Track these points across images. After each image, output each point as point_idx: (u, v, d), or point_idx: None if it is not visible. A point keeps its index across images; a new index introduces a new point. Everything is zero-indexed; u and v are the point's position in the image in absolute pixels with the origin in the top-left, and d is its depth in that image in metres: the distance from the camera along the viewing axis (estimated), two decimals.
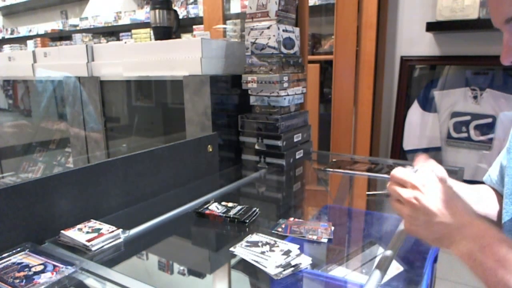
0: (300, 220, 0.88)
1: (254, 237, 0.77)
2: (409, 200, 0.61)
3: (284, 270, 0.64)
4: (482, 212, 0.84)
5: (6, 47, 4.84)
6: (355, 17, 1.88)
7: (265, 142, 1.33)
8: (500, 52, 0.65)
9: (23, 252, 0.72)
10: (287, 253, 0.70)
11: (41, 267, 0.66)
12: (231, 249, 0.73)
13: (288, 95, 1.33)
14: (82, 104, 1.65)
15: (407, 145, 1.93)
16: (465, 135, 1.77)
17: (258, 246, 0.73)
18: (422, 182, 0.61)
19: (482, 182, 0.92)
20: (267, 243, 0.74)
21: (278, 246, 0.73)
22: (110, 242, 0.78)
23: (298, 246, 0.71)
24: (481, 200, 0.86)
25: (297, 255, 0.69)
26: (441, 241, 0.59)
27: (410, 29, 1.89)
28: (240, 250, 0.72)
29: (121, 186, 0.96)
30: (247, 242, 0.75)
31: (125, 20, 3.95)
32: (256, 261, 0.68)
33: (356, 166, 1.30)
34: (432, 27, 1.75)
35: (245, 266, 0.68)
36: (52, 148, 2.01)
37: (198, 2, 3.29)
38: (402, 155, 1.94)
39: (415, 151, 1.92)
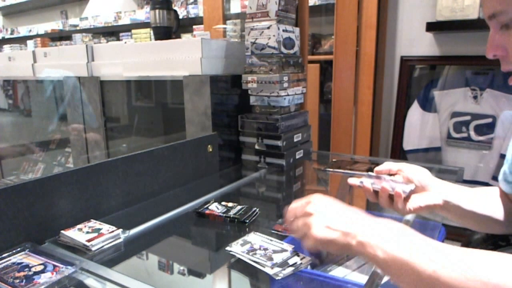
0: None
1: (251, 236, 0.77)
2: (305, 211, 0.63)
3: (283, 270, 0.64)
4: (487, 214, 0.80)
5: (6, 47, 4.84)
6: (355, 17, 1.88)
7: (265, 142, 1.33)
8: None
9: (23, 252, 0.72)
10: (282, 252, 0.70)
11: (41, 267, 0.66)
12: (227, 248, 0.73)
13: (288, 95, 1.33)
14: (82, 104, 1.65)
15: (407, 145, 1.93)
16: (465, 135, 1.77)
17: (254, 245, 0.73)
18: (311, 199, 0.64)
19: (484, 183, 0.91)
20: (262, 242, 0.74)
21: (273, 245, 0.73)
22: (110, 242, 0.78)
23: (293, 246, 0.71)
24: (484, 201, 0.82)
25: (292, 253, 0.69)
26: (349, 242, 0.56)
27: (410, 29, 1.89)
28: (236, 249, 0.72)
29: (121, 186, 0.96)
30: (243, 241, 0.75)
31: (125, 20, 3.95)
32: (252, 260, 0.68)
33: (356, 166, 1.30)
34: (432, 27, 1.74)
35: (245, 266, 0.68)
36: (52, 148, 2.01)
37: (198, 2, 3.29)
38: (402, 155, 1.94)
39: (415, 151, 1.92)
